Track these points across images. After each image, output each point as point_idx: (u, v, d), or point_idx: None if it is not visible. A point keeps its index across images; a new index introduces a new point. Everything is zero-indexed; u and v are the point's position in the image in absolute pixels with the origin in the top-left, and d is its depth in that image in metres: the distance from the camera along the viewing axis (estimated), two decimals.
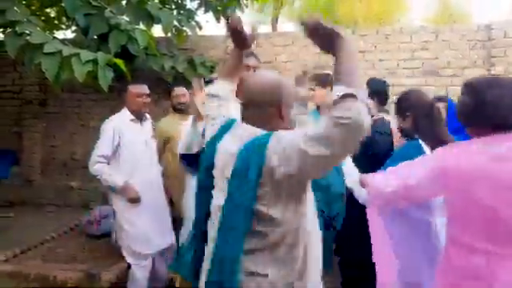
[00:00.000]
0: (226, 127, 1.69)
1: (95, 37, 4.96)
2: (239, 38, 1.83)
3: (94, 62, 3.78)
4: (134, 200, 3.24)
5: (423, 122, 2.37)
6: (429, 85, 5.17)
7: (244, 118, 1.63)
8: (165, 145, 4.09)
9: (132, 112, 3.39)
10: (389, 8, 14.33)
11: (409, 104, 2.52)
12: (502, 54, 4.90)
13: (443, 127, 2.28)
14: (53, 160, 6.51)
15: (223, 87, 1.84)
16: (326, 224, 3.54)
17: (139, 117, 3.44)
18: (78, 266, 3.12)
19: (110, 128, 3.25)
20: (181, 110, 4.05)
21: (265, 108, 1.59)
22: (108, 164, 3.26)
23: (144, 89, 3.43)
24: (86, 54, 3.74)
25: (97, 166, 3.22)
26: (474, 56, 5.07)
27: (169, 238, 3.45)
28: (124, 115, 3.38)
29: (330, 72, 3.70)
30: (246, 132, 1.57)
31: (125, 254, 3.28)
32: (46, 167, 6.56)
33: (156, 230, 3.33)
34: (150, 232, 3.27)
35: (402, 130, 2.58)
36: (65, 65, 3.69)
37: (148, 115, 3.57)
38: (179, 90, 4.15)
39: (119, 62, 3.78)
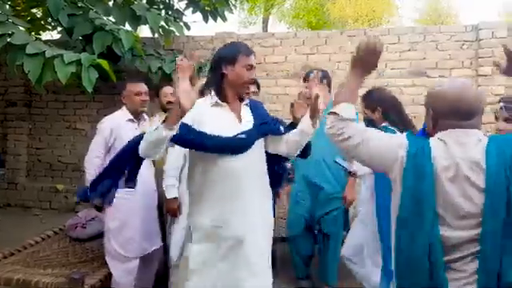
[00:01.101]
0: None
1: (80, 38, 4.91)
2: (370, 60, 1.82)
3: (78, 63, 3.71)
4: (99, 209, 3.20)
5: (392, 113, 2.90)
6: (417, 85, 5.17)
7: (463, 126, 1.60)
8: None
9: (130, 111, 3.32)
10: (378, 9, 14.37)
11: (377, 99, 2.98)
12: (490, 55, 4.90)
13: (408, 117, 2.90)
14: (38, 162, 6.42)
15: (351, 109, 1.76)
16: (308, 225, 3.53)
17: (137, 116, 3.37)
18: (61, 271, 3.05)
19: (107, 127, 3.20)
20: (168, 109, 4.05)
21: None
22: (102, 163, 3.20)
23: (142, 86, 3.35)
24: (69, 55, 3.67)
25: (91, 170, 3.17)
26: (461, 57, 5.07)
27: (156, 242, 3.41)
28: (121, 114, 3.31)
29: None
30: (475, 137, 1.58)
31: (109, 258, 3.22)
32: (31, 169, 6.47)
33: (145, 233, 3.26)
34: (138, 235, 3.21)
35: (368, 122, 2.93)
36: (47, 66, 3.61)
37: (146, 116, 3.51)
38: (168, 89, 4.09)
39: (103, 62, 3.72)
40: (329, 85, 3.54)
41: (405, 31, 5.31)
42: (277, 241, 4.25)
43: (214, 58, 2.34)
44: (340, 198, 3.44)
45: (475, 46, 5.02)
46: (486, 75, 4.93)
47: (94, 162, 3.21)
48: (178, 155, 3.28)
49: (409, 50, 5.21)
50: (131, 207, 3.21)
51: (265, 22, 16.90)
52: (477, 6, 25.13)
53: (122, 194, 3.23)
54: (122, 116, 3.33)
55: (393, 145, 1.64)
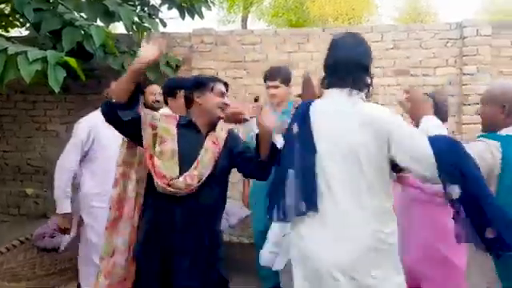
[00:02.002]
0: None
1: (50, 35, 4.63)
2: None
3: (44, 60, 3.44)
4: (63, 231, 3.03)
5: None
6: (400, 84, 5.04)
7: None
8: None
9: None
10: (358, 7, 14.33)
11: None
12: (474, 53, 4.80)
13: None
14: (6, 166, 6.08)
15: None
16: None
17: None
18: (27, 284, 2.87)
19: (85, 129, 2.99)
20: (155, 108, 3.79)
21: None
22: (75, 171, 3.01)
23: None
24: (34, 53, 3.40)
25: (63, 175, 2.96)
26: (446, 55, 4.96)
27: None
28: (100, 115, 3.11)
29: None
30: None
31: (83, 269, 3.01)
32: None
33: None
34: None
35: None
36: (10, 64, 3.33)
37: None
38: (154, 88, 3.96)
39: (71, 60, 3.45)
40: (288, 82, 3.49)
41: (388, 29, 5.17)
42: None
43: None
44: None
45: (459, 43, 4.92)
46: (470, 74, 4.82)
47: (67, 167, 2.99)
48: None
49: (392, 48, 5.08)
50: None
51: (244, 20, 16.74)
52: (455, 4, 25.33)
53: (98, 203, 3.03)
54: (100, 117, 3.12)
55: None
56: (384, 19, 16.77)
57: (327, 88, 1.94)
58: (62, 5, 4.42)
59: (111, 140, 3.08)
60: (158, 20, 5.45)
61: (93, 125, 3.02)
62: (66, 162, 2.98)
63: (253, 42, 5.44)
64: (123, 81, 2.08)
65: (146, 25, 5.17)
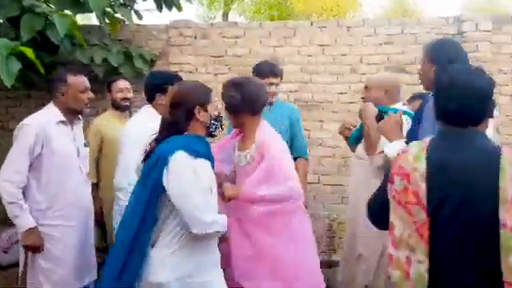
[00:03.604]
0: None
1: (8, 23, 4.15)
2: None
3: None
4: (33, 249, 2.53)
5: None
6: None
7: None
8: (99, 150, 3.51)
9: (65, 111, 2.64)
10: (342, 3, 14.04)
11: None
12: (474, 49, 4.48)
13: None
14: None
15: None
16: None
17: (72, 118, 2.70)
18: None
19: (31, 134, 2.49)
20: (123, 107, 3.56)
21: None
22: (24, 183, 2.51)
23: (86, 81, 2.72)
24: None
25: (10, 189, 2.45)
26: None
27: (93, 274, 2.80)
28: (49, 115, 2.61)
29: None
30: None
31: None
32: None
33: (82, 268, 2.67)
34: (73, 272, 2.62)
35: None
36: None
37: (80, 115, 2.82)
38: (123, 84, 3.59)
39: (27, 50, 3.01)
40: (280, 77, 3.34)
41: (381, 23, 4.82)
42: None
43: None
44: None
45: (457, 39, 4.58)
46: None
47: (14, 180, 2.49)
48: None
49: (385, 44, 4.73)
50: (67, 243, 2.60)
51: (225, 16, 16.32)
52: (441, 2, 25.16)
53: (47, 221, 2.60)
54: (50, 117, 2.64)
55: None
56: (369, 16, 16.55)
57: None
58: None
59: (64, 144, 2.63)
60: (132, 11, 5.02)
61: (41, 129, 2.54)
62: (13, 175, 2.48)
63: (235, 35, 5.03)
64: None
65: (118, 15, 4.75)
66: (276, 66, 3.40)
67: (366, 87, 3.06)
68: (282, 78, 3.40)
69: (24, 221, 2.47)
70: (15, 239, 3.55)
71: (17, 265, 3.32)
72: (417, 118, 2.53)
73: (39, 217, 2.53)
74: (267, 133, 2.39)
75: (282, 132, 3.33)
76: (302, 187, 3.31)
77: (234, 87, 2.36)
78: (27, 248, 2.54)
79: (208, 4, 17.17)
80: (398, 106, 2.97)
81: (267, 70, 3.29)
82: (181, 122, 2.00)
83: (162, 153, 1.90)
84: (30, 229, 2.48)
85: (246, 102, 2.33)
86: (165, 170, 1.86)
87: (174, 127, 2.01)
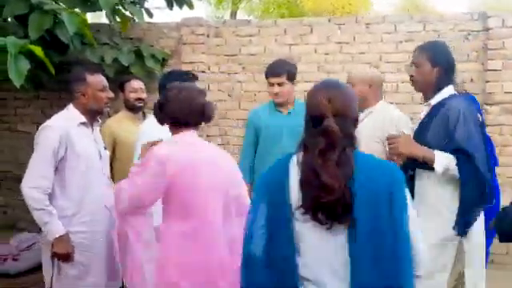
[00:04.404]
0: None
1: (16, 21, 4.02)
2: None
3: (3, 49, 2.84)
4: (64, 257, 2.37)
5: None
6: None
7: None
8: (113, 152, 3.41)
9: (85, 112, 2.53)
10: (354, 1, 13.82)
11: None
12: (500, 46, 4.27)
13: None
14: None
15: None
16: None
17: (92, 119, 2.59)
18: None
19: (55, 136, 2.36)
20: (137, 108, 3.45)
21: None
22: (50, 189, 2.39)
23: (105, 80, 2.60)
24: None
25: (37, 195, 2.32)
26: (466, 49, 4.43)
27: (119, 280, 2.66)
28: (70, 117, 2.50)
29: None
30: None
31: None
32: None
33: (109, 274, 2.57)
34: (101, 279, 2.51)
35: None
36: None
37: (99, 117, 2.71)
38: (137, 83, 3.49)
39: (36, 49, 2.85)
40: (293, 78, 3.21)
41: (401, 19, 4.62)
42: None
43: None
44: None
45: (482, 36, 4.39)
46: (495, 70, 4.29)
47: (41, 186, 2.33)
48: None
49: (406, 41, 4.53)
50: (95, 250, 2.48)
51: (233, 15, 16.19)
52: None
53: (75, 228, 2.46)
54: (71, 119, 2.51)
55: None
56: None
57: None
58: None
59: (86, 147, 2.51)
60: (143, 10, 4.87)
61: (64, 131, 2.41)
62: (39, 180, 2.34)
63: (249, 33, 4.86)
64: None
65: (128, 14, 4.60)
66: (280, 63, 3.27)
67: (348, 84, 2.85)
68: (294, 77, 3.24)
69: (54, 227, 2.34)
70: (25, 245, 3.42)
71: (26, 273, 3.19)
72: (432, 115, 2.45)
73: (65, 224, 2.38)
74: None
75: (301, 133, 3.19)
76: None
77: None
78: (57, 256, 2.39)
79: (216, 3, 17.04)
80: (382, 102, 3.04)
81: (268, 69, 3.21)
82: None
83: None
84: (61, 236, 2.35)
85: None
86: None
87: None
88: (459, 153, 2.27)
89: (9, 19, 4.11)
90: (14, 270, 3.37)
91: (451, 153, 2.28)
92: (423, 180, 2.41)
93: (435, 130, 2.36)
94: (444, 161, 2.25)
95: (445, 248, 2.33)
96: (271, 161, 3.11)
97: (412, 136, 2.47)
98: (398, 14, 5.80)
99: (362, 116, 2.91)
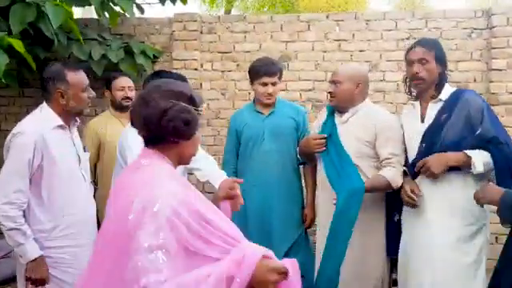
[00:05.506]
0: None
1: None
2: None
3: None
4: (39, 283, 2.17)
5: None
6: None
7: None
8: (98, 153, 3.21)
9: (63, 113, 2.28)
10: (349, 0, 13.66)
11: None
12: (505, 45, 4.12)
13: None
14: None
15: None
16: None
17: (70, 121, 2.35)
18: None
19: (29, 143, 2.12)
20: (124, 107, 3.28)
21: None
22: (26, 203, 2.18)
23: (86, 77, 2.36)
24: None
25: (11, 212, 2.09)
26: (470, 47, 4.27)
27: None
28: (45, 120, 2.24)
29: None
30: None
31: None
32: None
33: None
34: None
35: None
36: None
37: (78, 117, 2.46)
38: (124, 81, 3.32)
39: (16, 42, 2.66)
40: (280, 77, 3.06)
41: (403, 16, 4.44)
42: None
43: None
44: None
45: (486, 34, 4.22)
46: (499, 69, 4.14)
47: (15, 201, 2.10)
48: None
49: (407, 39, 4.36)
50: (78, 266, 2.25)
51: (227, 14, 15.99)
52: None
53: (56, 243, 2.26)
54: (46, 121, 2.25)
55: None
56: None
57: None
58: None
59: (64, 152, 2.28)
60: (134, 4, 4.66)
61: (39, 136, 2.17)
62: (13, 195, 2.11)
63: (244, 29, 4.67)
64: None
65: (118, 9, 4.39)
66: (273, 62, 3.13)
67: (333, 81, 2.75)
68: (281, 76, 3.10)
69: (29, 250, 2.13)
70: (1, 253, 3.21)
71: (5, 282, 2.99)
72: (447, 109, 2.42)
73: (43, 240, 2.19)
74: None
75: (284, 134, 3.02)
76: (310, 195, 3.05)
77: None
78: (31, 281, 2.17)
79: (210, 1, 16.82)
80: (366, 102, 2.79)
81: (260, 69, 3.02)
82: None
83: None
84: (36, 259, 2.14)
85: None
86: None
87: None
88: (490, 143, 2.27)
89: None
90: None
91: (478, 147, 2.29)
92: (452, 184, 2.39)
93: (458, 125, 2.34)
94: (480, 158, 2.27)
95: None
96: (253, 164, 2.95)
97: (422, 134, 2.45)
98: (399, 11, 5.62)
99: (346, 116, 2.75)
